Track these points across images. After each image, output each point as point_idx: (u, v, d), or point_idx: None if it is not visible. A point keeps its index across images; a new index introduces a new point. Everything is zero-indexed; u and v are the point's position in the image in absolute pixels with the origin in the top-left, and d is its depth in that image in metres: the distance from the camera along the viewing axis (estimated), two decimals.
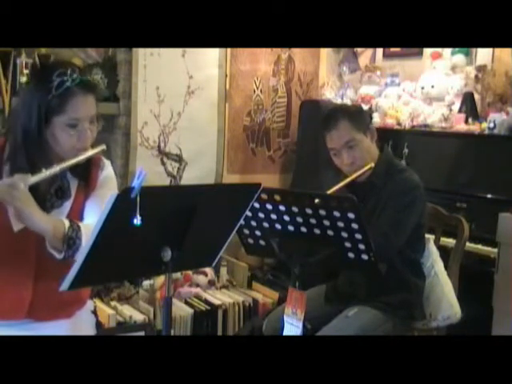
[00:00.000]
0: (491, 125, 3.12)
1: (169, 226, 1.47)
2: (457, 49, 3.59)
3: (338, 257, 1.86)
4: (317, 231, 1.83)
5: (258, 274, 3.70)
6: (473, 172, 3.14)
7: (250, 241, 2.02)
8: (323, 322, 2.17)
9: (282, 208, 1.84)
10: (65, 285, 1.40)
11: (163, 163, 3.51)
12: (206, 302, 3.21)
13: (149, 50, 3.33)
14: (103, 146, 1.72)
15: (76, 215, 1.73)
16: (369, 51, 4.27)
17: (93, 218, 1.68)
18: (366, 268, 1.90)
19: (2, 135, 1.82)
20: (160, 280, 3.10)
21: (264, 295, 3.40)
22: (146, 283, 3.17)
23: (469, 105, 3.36)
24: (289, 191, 2.76)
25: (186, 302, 3.20)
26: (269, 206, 1.86)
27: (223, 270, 3.52)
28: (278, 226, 1.90)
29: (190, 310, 3.10)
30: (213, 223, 1.59)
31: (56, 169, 1.60)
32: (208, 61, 3.60)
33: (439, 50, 3.70)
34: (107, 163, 1.84)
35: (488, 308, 2.73)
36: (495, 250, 2.77)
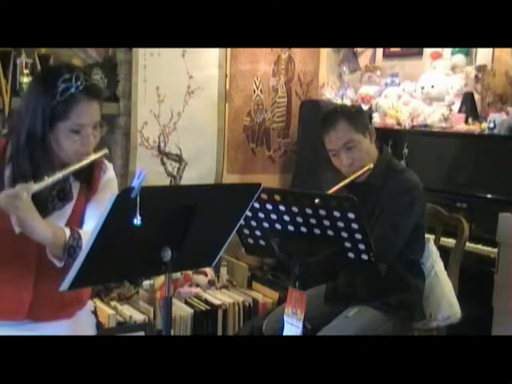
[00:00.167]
0: (491, 125, 3.12)
1: (169, 226, 1.47)
2: (457, 49, 3.59)
3: (338, 257, 1.86)
4: (317, 231, 1.83)
5: (257, 274, 3.70)
6: (473, 172, 3.14)
7: (250, 241, 2.02)
8: (323, 322, 2.17)
9: (281, 208, 1.84)
10: (65, 285, 1.40)
11: (163, 163, 3.51)
12: (206, 302, 3.21)
13: (149, 50, 3.33)
14: (105, 150, 1.72)
15: (77, 218, 1.73)
16: (369, 51, 4.27)
17: (94, 221, 1.67)
18: (365, 268, 1.90)
19: (2, 136, 1.82)
20: (160, 280, 3.09)
21: (264, 295, 3.40)
22: (146, 283, 3.17)
23: (469, 105, 3.36)
24: (289, 191, 2.76)
25: (186, 302, 3.20)
26: (269, 206, 1.86)
27: (223, 270, 3.52)
28: (278, 226, 1.90)
29: (190, 310, 3.10)
30: (213, 223, 1.59)
31: (59, 175, 1.60)
32: (208, 61, 3.60)
33: (439, 50, 3.70)
34: (109, 166, 1.85)
35: (488, 308, 2.73)
36: (495, 250, 2.77)
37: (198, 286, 3.38)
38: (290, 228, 1.87)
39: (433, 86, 3.60)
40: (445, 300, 2.31)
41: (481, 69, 3.44)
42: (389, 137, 3.43)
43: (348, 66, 4.17)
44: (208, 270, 3.40)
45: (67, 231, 1.62)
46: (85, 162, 1.67)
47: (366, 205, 2.18)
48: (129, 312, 2.90)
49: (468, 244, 2.56)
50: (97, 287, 2.91)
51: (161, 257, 1.49)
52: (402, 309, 2.23)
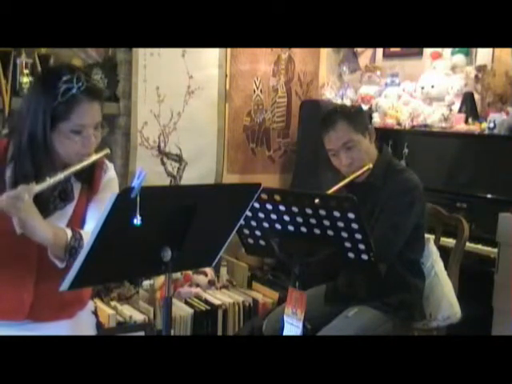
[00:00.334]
0: (491, 125, 3.12)
1: (169, 225, 1.47)
2: (457, 49, 3.59)
3: (338, 257, 1.86)
4: (317, 231, 1.83)
5: (257, 274, 3.70)
6: (473, 172, 3.14)
7: (250, 241, 2.02)
8: (323, 322, 2.17)
9: (281, 208, 1.84)
10: (65, 285, 1.40)
11: (163, 163, 3.51)
12: (206, 302, 3.21)
13: (149, 50, 3.33)
14: (107, 151, 1.72)
15: (79, 218, 1.73)
16: (369, 51, 4.27)
17: (95, 222, 1.68)
18: (365, 268, 1.90)
19: (2, 136, 1.82)
20: (160, 280, 3.09)
21: (264, 295, 3.40)
22: (146, 283, 3.17)
23: (469, 105, 3.36)
24: (289, 191, 2.76)
25: (186, 302, 3.20)
26: (269, 206, 1.86)
27: (223, 270, 3.52)
28: (278, 226, 1.90)
29: (190, 310, 3.10)
30: (213, 223, 1.59)
31: (60, 176, 1.60)
32: (208, 61, 3.60)
33: (439, 50, 3.70)
34: (110, 166, 1.85)
35: (488, 308, 2.73)
36: (495, 250, 2.78)
37: (198, 285, 3.38)
38: (290, 228, 1.87)
39: (433, 86, 3.60)
40: (445, 300, 2.31)
41: (481, 69, 3.44)
42: (389, 137, 3.43)
43: (348, 66, 4.17)
44: (208, 270, 3.40)
45: (68, 232, 1.62)
46: (86, 163, 1.67)
47: (366, 205, 2.18)
48: (129, 312, 2.90)
49: (468, 244, 2.56)
50: (97, 287, 2.91)
51: (161, 257, 1.49)
52: (402, 309, 2.23)
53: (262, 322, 2.42)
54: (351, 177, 2.21)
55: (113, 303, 2.98)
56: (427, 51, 3.82)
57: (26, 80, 2.90)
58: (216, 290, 3.40)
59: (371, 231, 1.85)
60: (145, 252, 1.50)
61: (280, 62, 4.03)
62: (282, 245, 1.91)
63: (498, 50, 3.48)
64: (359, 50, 4.25)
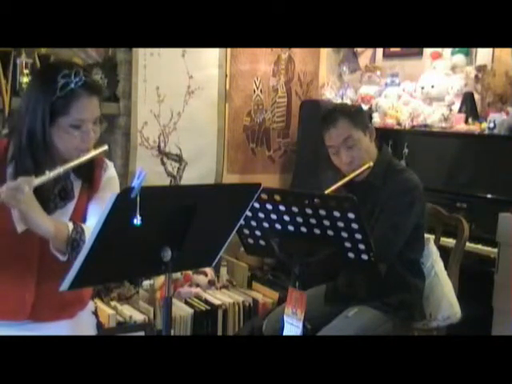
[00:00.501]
0: (491, 125, 3.12)
1: (169, 225, 1.47)
2: (457, 49, 3.59)
3: (338, 257, 1.86)
4: (317, 231, 1.83)
5: (257, 274, 3.70)
6: (473, 172, 3.14)
7: (250, 241, 2.02)
8: (323, 322, 2.17)
9: (281, 208, 1.84)
10: (65, 285, 1.40)
11: (163, 163, 3.51)
12: (206, 302, 3.21)
13: (149, 50, 3.33)
14: (105, 147, 1.72)
15: (79, 216, 1.73)
16: (369, 51, 4.27)
17: (96, 220, 1.68)
18: (365, 268, 1.90)
19: (3, 136, 1.82)
20: (160, 280, 3.09)
21: (264, 295, 3.40)
22: (146, 283, 3.17)
23: (469, 105, 3.36)
24: (289, 191, 2.76)
25: (186, 302, 3.20)
26: (269, 206, 1.86)
27: (223, 270, 3.52)
28: (278, 226, 1.90)
29: (190, 310, 3.10)
30: (213, 223, 1.59)
31: (60, 170, 1.60)
32: (208, 61, 3.60)
33: (439, 50, 3.70)
34: (110, 165, 1.85)
35: (488, 308, 2.73)
36: (495, 250, 2.77)
37: (198, 286, 3.38)
38: (290, 228, 1.87)
39: (433, 86, 3.60)
40: (445, 300, 2.31)
41: (481, 69, 3.44)
42: (389, 137, 3.43)
43: (348, 66, 4.17)
44: (208, 270, 3.40)
45: (70, 225, 1.62)
46: (85, 158, 1.67)
47: (366, 205, 2.18)
48: (129, 312, 2.90)
49: (468, 244, 2.56)
50: (97, 287, 2.91)
51: (161, 257, 1.49)
52: (402, 309, 2.23)
53: (262, 322, 2.42)
54: (352, 175, 2.22)
55: (113, 303, 2.98)
56: (427, 51, 3.82)
57: (25, 80, 2.90)
58: (216, 290, 3.40)
59: (371, 231, 1.85)
60: (145, 252, 1.50)
61: (280, 62, 4.03)
62: (281, 245, 1.91)
63: (498, 50, 3.47)
64: (359, 50, 4.25)
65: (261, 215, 1.91)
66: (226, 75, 3.71)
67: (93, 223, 1.64)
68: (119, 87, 3.30)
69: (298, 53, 4.10)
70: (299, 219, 1.83)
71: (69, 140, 1.65)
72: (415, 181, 2.24)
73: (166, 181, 3.50)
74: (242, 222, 1.70)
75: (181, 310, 3.10)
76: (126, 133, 3.36)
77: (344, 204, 1.74)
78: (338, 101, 3.95)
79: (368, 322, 2.18)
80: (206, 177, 3.65)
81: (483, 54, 3.53)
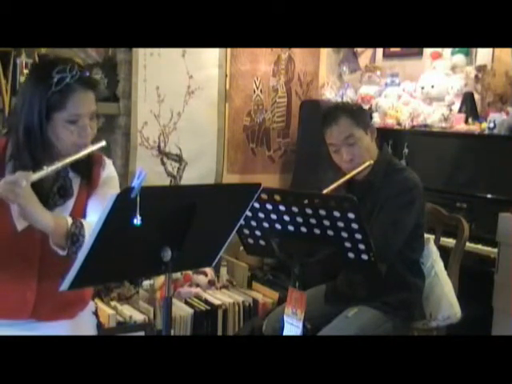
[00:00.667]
0: (491, 125, 3.12)
1: (169, 226, 1.47)
2: (457, 49, 3.59)
3: (338, 257, 1.86)
4: (317, 231, 1.83)
5: (258, 274, 3.71)
6: (473, 172, 3.13)
7: (250, 241, 2.02)
8: (323, 322, 2.17)
9: (281, 208, 1.84)
10: (65, 285, 1.40)
11: (163, 163, 3.51)
12: (206, 302, 3.21)
13: (149, 50, 3.33)
14: (103, 142, 1.72)
15: (78, 213, 1.73)
16: (369, 51, 4.27)
17: (95, 217, 1.67)
18: (365, 268, 1.90)
19: (2, 135, 1.82)
20: (160, 280, 3.10)
21: (264, 295, 3.40)
22: (146, 283, 3.17)
23: (469, 105, 3.36)
24: (289, 191, 2.76)
25: (186, 302, 3.20)
26: (269, 206, 1.86)
27: (223, 270, 3.52)
28: (278, 226, 1.90)
29: (190, 310, 3.10)
30: (213, 223, 1.59)
31: (57, 165, 1.60)
32: (208, 61, 3.60)
33: (439, 50, 3.70)
34: (109, 162, 1.85)
35: (488, 308, 2.73)
36: (495, 250, 2.78)
37: (198, 286, 3.38)
38: (290, 228, 1.87)
39: (433, 86, 3.60)
40: (445, 300, 2.31)
41: (481, 69, 3.44)
42: (389, 137, 3.43)
43: (348, 66, 4.17)
44: (208, 270, 3.40)
45: (69, 219, 1.62)
46: (83, 153, 1.66)
47: (366, 204, 2.18)
48: (129, 312, 2.90)
49: (468, 244, 2.56)
50: (97, 287, 2.91)
51: (161, 257, 1.49)
52: (402, 309, 2.23)
53: (262, 322, 2.42)
54: (352, 173, 2.22)
55: (113, 303, 2.98)
56: (427, 51, 3.82)
57: (25, 77, 2.90)
58: (216, 290, 3.40)
59: (371, 230, 1.85)
60: (145, 252, 1.50)
61: (280, 62, 4.03)
62: (282, 245, 1.91)
63: (498, 50, 3.48)
64: (359, 50, 4.25)
65: (261, 215, 1.91)
66: (226, 75, 3.71)
67: (92, 220, 1.65)
68: (119, 87, 3.30)
69: (298, 53, 4.10)
70: (299, 219, 1.83)
71: (66, 135, 1.65)
72: (415, 180, 2.24)
73: (166, 181, 3.50)
74: (241, 222, 1.70)
75: (181, 309, 3.10)
76: (126, 133, 3.36)
77: (344, 204, 1.74)
78: (338, 101, 3.94)
79: (368, 321, 2.18)
80: (205, 177, 3.65)
81: (483, 54, 3.53)
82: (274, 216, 1.88)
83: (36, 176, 1.56)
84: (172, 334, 2.15)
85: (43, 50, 3.01)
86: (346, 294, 2.32)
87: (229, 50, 3.72)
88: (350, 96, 4.02)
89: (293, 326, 1.85)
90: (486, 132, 3.16)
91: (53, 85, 1.61)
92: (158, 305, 2.98)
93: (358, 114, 2.27)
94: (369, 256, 1.81)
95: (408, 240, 2.20)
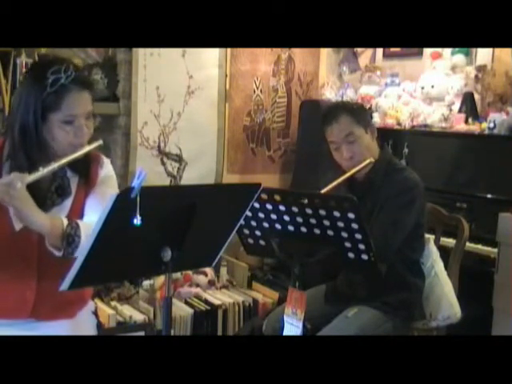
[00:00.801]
0: (491, 125, 3.12)
1: (169, 226, 1.47)
2: (457, 49, 3.59)
3: (338, 257, 1.86)
4: (317, 231, 1.83)
5: (258, 274, 3.71)
6: (473, 172, 3.13)
7: (250, 241, 2.02)
8: (323, 322, 2.17)
9: (282, 208, 1.84)
10: (65, 285, 1.40)
11: (163, 163, 3.51)
12: (206, 302, 3.21)
13: (149, 50, 3.33)
14: (100, 142, 1.72)
15: (77, 213, 1.73)
16: (369, 51, 4.27)
17: (93, 216, 1.69)
18: (365, 268, 1.90)
19: (1, 135, 1.82)
20: (160, 280, 3.10)
21: (264, 295, 3.40)
22: (146, 283, 3.17)
23: (469, 105, 3.35)
24: (289, 191, 2.76)
25: (186, 302, 3.20)
26: (269, 206, 1.86)
27: (223, 270, 3.52)
28: (278, 226, 1.90)
29: (190, 310, 3.10)
30: (213, 223, 1.59)
31: (54, 166, 1.60)
32: (208, 61, 3.60)
33: (439, 50, 3.70)
34: (107, 161, 1.85)
35: (488, 308, 2.73)
36: (495, 250, 2.77)
37: (198, 286, 3.38)
38: (290, 228, 1.87)
39: (433, 86, 3.60)
40: (445, 300, 2.31)
41: (481, 69, 3.44)
42: (389, 137, 3.42)
43: (348, 66, 4.17)
44: (208, 270, 3.40)
45: (65, 220, 1.62)
46: (79, 153, 1.66)
47: (366, 203, 2.18)
48: (129, 312, 2.90)
49: (468, 244, 2.56)
50: (97, 287, 2.91)
51: (161, 257, 1.49)
52: (402, 309, 2.23)
53: (262, 322, 2.42)
54: (352, 171, 2.22)
55: (113, 303, 2.98)
56: (427, 51, 3.82)
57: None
58: (216, 290, 3.40)
59: (371, 230, 1.85)
60: (145, 252, 1.50)
61: (280, 62, 4.03)
62: (282, 245, 1.91)
63: (498, 50, 3.47)
64: (359, 50, 4.25)
65: (261, 215, 1.91)
66: (226, 75, 3.71)
67: (90, 219, 1.66)
68: (119, 87, 3.30)
69: (298, 53, 4.09)
70: (299, 219, 1.83)
71: (62, 136, 1.65)
72: (415, 179, 2.24)
73: (166, 181, 3.50)
74: (241, 222, 1.70)
75: (181, 309, 3.10)
76: (126, 133, 3.36)
77: (344, 204, 1.74)
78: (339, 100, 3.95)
79: (368, 321, 2.18)
80: (205, 177, 3.65)
81: (483, 54, 3.53)
82: (273, 216, 1.88)
83: (31, 178, 1.56)
84: (172, 333, 2.15)
85: (43, 50, 3.01)
86: (346, 294, 2.32)
87: (229, 50, 3.72)
88: (349, 96, 4.01)
89: (293, 326, 1.85)
90: (486, 132, 3.15)
91: (48, 85, 1.61)
92: (158, 305, 2.98)
93: (358, 112, 2.28)
94: (369, 256, 1.81)
95: (408, 240, 2.20)
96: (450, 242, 2.68)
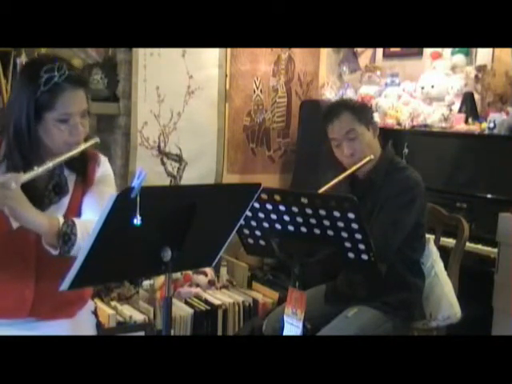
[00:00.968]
0: (491, 125, 3.12)
1: (169, 226, 1.47)
2: (457, 49, 3.59)
3: (338, 257, 1.86)
4: (317, 231, 1.83)
5: (258, 274, 3.71)
6: (473, 172, 3.13)
7: (250, 241, 2.02)
8: (323, 322, 2.17)
9: (282, 208, 1.84)
10: (65, 285, 1.40)
11: (163, 163, 3.51)
12: (206, 302, 3.21)
13: (149, 50, 3.33)
14: (96, 139, 1.71)
15: (74, 211, 1.73)
16: (369, 51, 4.27)
17: (90, 214, 1.69)
18: (365, 268, 1.90)
19: None
20: (160, 280, 3.10)
21: (264, 295, 3.40)
22: (146, 283, 3.17)
23: (469, 105, 3.35)
24: (289, 191, 2.76)
25: (186, 302, 3.20)
26: (269, 206, 1.86)
27: (223, 270, 3.52)
28: (278, 226, 1.90)
29: (190, 310, 3.10)
30: (213, 223, 1.59)
31: (49, 165, 1.59)
32: (208, 61, 3.60)
33: (439, 50, 3.70)
34: (104, 159, 1.84)
35: (488, 308, 2.73)
36: (495, 250, 2.77)
37: (198, 286, 3.38)
38: (290, 228, 1.87)
39: (433, 86, 3.60)
40: (445, 300, 2.31)
41: (481, 69, 3.44)
42: (389, 137, 3.40)
43: (348, 66, 4.17)
44: (208, 270, 3.40)
45: (61, 219, 1.61)
46: (75, 151, 1.66)
47: (366, 203, 2.19)
48: (129, 312, 2.90)
49: (468, 244, 2.56)
50: (97, 287, 2.91)
51: (161, 257, 1.49)
52: (402, 309, 2.23)
53: (262, 322, 2.42)
54: (353, 168, 2.23)
55: (113, 303, 2.98)
56: (427, 51, 3.82)
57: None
58: (216, 290, 3.40)
59: (371, 230, 1.85)
60: (145, 252, 1.50)
61: (280, 62, 4.03)
62: (282, 245, 1.91)
63: (498, 50, 3.47)
64: (359, 50, 4.25)
65: (261, 215, 1.91)
66: (226, 75, 3.71)
67: (88, 217, 1.66)
68: (119, 87, 3.30)
69: (298, 53, 4.10)
70: (299, 219, 1.83)
71: (57, 135, 1.65)
72: (416, 179, 2.24)
73: (166, 181, 3.50)
74: (241, 222, 1.70)
75: (181, 309, 3.10)
76: (126, 133, 3.36)
77: (344, 204, 1.74)
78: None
79: (368, 321, 2.18)
80: (205, 177, 3.65)
81: (483, 54, 3.53)
82: (273, 216, 1.88)
83: (26, 177, 1.55)
84: (172, 333, 2.15)
85: (43, 50, 3.01)
86: (346, 294, 2.32)
87: (229, 50, 3.72)
88: (350, 96, 4.01)
89: (293, 326, 1.85)
90: (486, 132, 3.15)
91: (41, 84, 1.61)
92: (158, 305, 2.98)
93: (359, 110, 2.29)
94: (369, 256, 1.81)
95: (409, 240, 2.20)
96: (450, 241, 2.68)
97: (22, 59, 2.93)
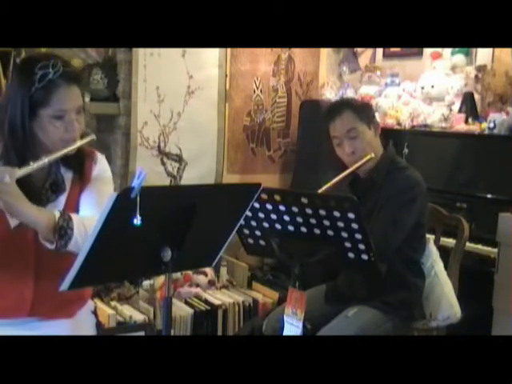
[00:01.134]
0: (491, 125, 3.12)
1: (169, 226, 1.47)
2: (457, 49, 3.59)
3: (338, 257, 1.86)
4: (317, 231, 1.83)
5: (258, 274, 3.71)
6: (473, 172, 3.13)
7: (250, 241, 2.02)
8: (323, 322, 2.17)
9: (282, 208, 1.84)
10: (65, 285, 1.40)
11: (163, 163, 3.51)
12: (206, 302, 3.21)
13: (149, 50, 3.33)
14: (93, 136, 1.71)
15: (71, 209, 1.72)
16: (369, 51, 4.27)
17: (88, 212, 1.69)
18: (365, 268, 1.90)
19: None
20: (160, 280, 3.10)
21: (264, 295, 3.40)
22: (146, 283, 3.18)
23: (469, 105, 3.35)
24: (289, 191, 2.76)
25: (186, 302, 3.20)
26: (269, 206, 1.86)
27: (223, 270, 3.52)
28: (278, 226, 1.90)
29: (190, 310, 3.10)
30: (213, 223, 1.59)
31: (44, 161, 1.59)
32: (208, 61, 3.60)
33: (439, 50, 3.70)
34: (101, 157, 1.84)
35: (488, 308, 2.73)
36: (495, 250, 2.77)
37: (198, 286, 3.38)
38: (290, 228, 1.87)
39: (433, 86, 3.60)
40: (445, 300, 2.31)
41: (481, 69, 3.44)
42: (389, 137, 3.40)
43: (348, 66, 4.17)
44: (208, 270, 3.40)
45: (57, 213, 1.60)
46: (71, 148, 1.65)
47: (367, 202, 2.19)
48: (129, 312, 2.90)
49: (468, 244, 2.56)
50: (97, 287, 2.91)
51: (161, 257, 1.49)
52: (402, 308, 2.23)
53: (262, 322, 2.42)
54: (354, 166, 2.23)
55: (113, 303, 2.98)
56: (427, 51, 3.82)
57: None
58: (216, 290, 3.40)
59: (371, 229, 1.85)
60: (145, 252, 1.50)
61: (280, 62, 4.03)
62: (282, 245, 1.91)
63: (498, 50, 3.47)
64: (359, 50, 4.25)
65: (261, 215, 1.91)
66: (226, 75, 3.71)
67: (85, 215, 1.65)
68: (119, 87, 3.30)
69: (298, 53, 4.10)
70: (299, 219, 1.83)
71: (52, 131, 1.64)
72: (417, 178, 2.24)
73: (166, 181, 3.50)
74: (241, 221, 1.70)
75: (181, 309, 3.10)
76: (126, 133, 3.36)
77: (344, 204, 1.74)
78: None
79: (368, 321, 2.18)
80: (205, 177, 3.65)
81: (483, 54, 3.53)
82: (273, 216, 1.88)
83: (21, 172, 1.55)
84: (172, 333, 2.15)
85: (43, 50, 3.01)
86: (345, 294, 2.32)
87: (229, 50, 3.72)
88: (350, 96, 4.01)
89: (293, 326, 1.85)
90: (486, 132, 3.15)
91: (36, 81, 1.60)
92: (158, 305, 2.98)
93: (361, 109, 2.30)
94: (369, 256, 1.81)
95: (409, 240, 2.20)
96: (450, 241, 2.68)
97: None
